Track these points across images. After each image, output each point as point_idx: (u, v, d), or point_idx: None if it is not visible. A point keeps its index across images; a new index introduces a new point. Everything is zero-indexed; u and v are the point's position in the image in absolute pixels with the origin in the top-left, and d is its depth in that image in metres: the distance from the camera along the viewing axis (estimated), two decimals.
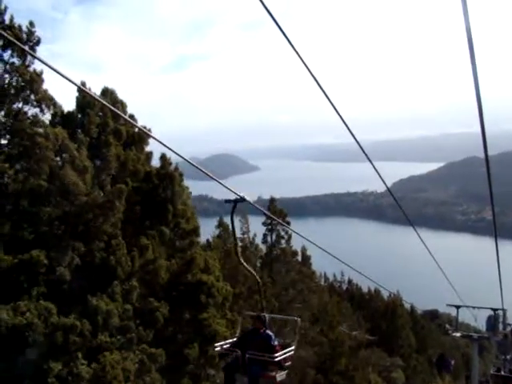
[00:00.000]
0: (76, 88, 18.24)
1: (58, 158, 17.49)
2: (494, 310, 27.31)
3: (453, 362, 30.10)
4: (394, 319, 55.82)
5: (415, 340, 57.98)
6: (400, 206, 14.24)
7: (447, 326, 35.31)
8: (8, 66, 16.45)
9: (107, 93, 22.51)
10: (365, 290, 62.79)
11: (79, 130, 19.85)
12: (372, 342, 49.64)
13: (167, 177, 21.61)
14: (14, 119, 16.86)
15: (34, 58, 16.57)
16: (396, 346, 54.06)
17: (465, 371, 49.09)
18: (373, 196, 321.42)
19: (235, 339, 10.10)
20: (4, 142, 17.11)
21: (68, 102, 22.04)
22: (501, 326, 31.63)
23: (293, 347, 9.75)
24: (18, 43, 15.14)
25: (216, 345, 9.92)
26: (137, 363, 17.04)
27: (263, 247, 37.45)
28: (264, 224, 37.02)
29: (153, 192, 21.32)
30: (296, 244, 38.95)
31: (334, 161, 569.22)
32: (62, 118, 20.79)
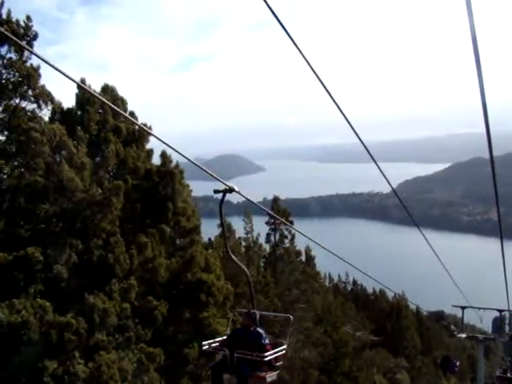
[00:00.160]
0: (76, 85, 18.26)
1: (56, 155, 17.21)
2: (500, 311, 26.96)
3: (458, 364, 29.62)
4: (398, 320, 55.46)
5: (420, 341, 57.61)
6: (405, 207, 13.98)
7: (452, 327, 34.91)
8: (5, 61, 16.24)
9: (107, 90, 22.32)
10: (370, 290, 62.47)
11: (79, 127, 19.64)
12: (377, 343, 49.32)
13: (167, 174, 21.35)
14: (11, 115, 16.65)
15: (32, 53, 16.31)
16: (401, 347, 53.70)
17: (470, 373, 48.65)
18: (378, 197, 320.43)
19: (225, 337, 9.70)
20: (2, 138, 16.92)
21: (69, 98, 22.01)
22: (507, 328, 31.21)
23: (284, 346, 9.21)
24: (16, 39, 14.92)
25: (204, 343, 9.39)
26: (135, 363, 16.78)
27: (267, 247, 37.23)
28: (267, 223, 36.78)
29: (153, 190, 21.08)
30: (300, 244, 38.72)
31: (340, 161, 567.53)
32: (61, 115, 20.63)
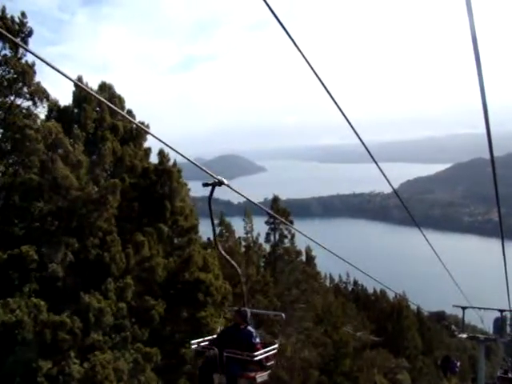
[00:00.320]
0: (73, 83, 17.92)
1: (52, 153, 17.01)
2: (501, 311, 26.78)
3: (458, 364, 29.43)
4: (399, 320, 55.28)
5: (421, 341, 57.42)
6: (406, 207, 13.93)
7: (453, 327, 34.71)
8: (0, 58, 16.05)
9: (105, 88, 22.15)
10: (370, 290, 62.31)
11: (76, 126, 19.45)
12: (377, 343, 49.14)
13: (165, 173, 21.15)
14: (6, 112, 16.48)
15: (27, 50, 16.15)
16: (402, 348, 53.52)
17: (471, 373, 48.44)
18: (379, 197, 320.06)
19: (214, 336, 9.45)
20: None
21: (67, 96, 21.86)
22: (508, 328, 31.02)
23: (276, 345, 8.98)
24: (11, 36, 14.73)
25: (192, 342, 9.07)
26: (131, 363, 16.57)
27: (267, 247, 37.06)
28: (267, 223, 36.61)
29: (150, 188, 20.89)
30: (301, 244, 38.57)
31: (340, 162, 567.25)
32: (58, 113, 20.47)
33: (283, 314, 10.25)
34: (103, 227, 17.59)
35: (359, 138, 7.03)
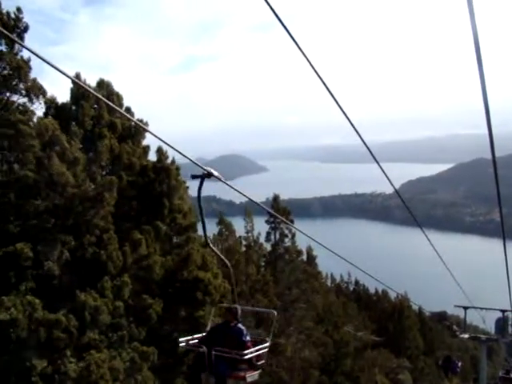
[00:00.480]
0: (71, 80, 17.76)
1: (48, 150, 16.82)
2: (503, 311, 26.61)
3: (460, 364, 29.20)
4: (401, 320, 55.12)
5: (423, 342, 57.23)
6: (407, 207, 13.80)
7: (455, 327, 34.47)
8: None
9: (103, 85, 21.97)
10: (372, 290, 62.12)
11: (73, 123, 19.28)
12: (379, 343, 48.94)
13: (163, 171, 20.94)
14: (2, 109, 16.30)
15: (22, 46, 15.95)
16: (403, 348, 53.35)
17: (473, 374, 48.26)
18: (381, 197, 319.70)
19: (204, 334, 9.16)
20: None
21: (66, 93, 21.68)
22: (510, 329, 30.81)
23: (267, 344, 8.72)
24: (6, 32, 14.61)
25: (180, 340, 8.79)
26: (128, 362, 16.37)
27: (267, 246, 36.90)
28: (267, 222, 36.42)
29: (149, 186, 20.69)
30: (302, 244, 38.42)
31: (342, 162, 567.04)
32: (55, 110, 20.30)
33: (275, 312, 9.95)
34: (100, 225, 17.40)
35: (361, 137, 6.98)
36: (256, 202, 9.68)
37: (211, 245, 9.02)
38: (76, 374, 14.43)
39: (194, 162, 5.69)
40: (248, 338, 8.50)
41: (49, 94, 20.81)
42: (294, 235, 36.29)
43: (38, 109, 17.46)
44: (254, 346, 8.39)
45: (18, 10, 16.42)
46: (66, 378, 14.33)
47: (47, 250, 15.59)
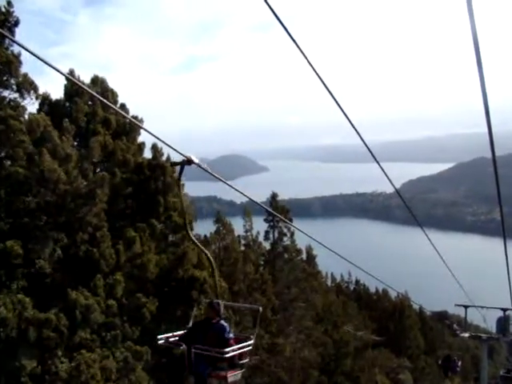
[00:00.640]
0: (65, 76, 17.48)
1: (40, 146, 16.53)
2: (504, 310, 26.33)
3: (460, 363, 28.90)
4: (401, 320, 54.92)
5: (424, 341, 57.00)
6: (408, 207, 13.77)
7: (455, 326, 34.12)
8: None
9: (97, 81, 21.72)
10: (372, 290, 61.87)
11: (67, 119, 19.00)
12: (379, 343, 48.71)
13: (158, 168, 20.64)
14: None
15: (13, 41, 15.71)
16: (404, 347, 53.14)
17: (474, 373, 47.92)
18: (382, 197, 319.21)
19: (185, 331, 8.59)
20: None
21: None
22: (511, 328, 30.51)
23: (251, 342, 8.29)
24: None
25: (159, 337, 8.39)
26: (121, 361, 16.06)
27: (267, 245, 36.65)
28: (266, 220, 36.16)
29: (144, 184, 20.39)
30: (302, 243, 38.20)
31: (342, 161, 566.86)
32: (49, 106, 20.09)
33: (260, 308, 9.57)
34: (93, 222, 17.10)
35: (361, 137, 6.98)
36: (254, 201, 9.35)
37: (191, 235, 8.68)
38: (67, 375, 14.11)
39: (173, 149, 5.44)
40: (231, 335, 8.13)
41: (45, 92, 20.75)
42: (292, 234, 36.05)
43: (30, 104, 17.18)
44: (238, 344, 8.03)
45: (9, 3, 16.13)
46: (56, 379, 14.02)
47: (38, 248, 15.31)
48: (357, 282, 63.76)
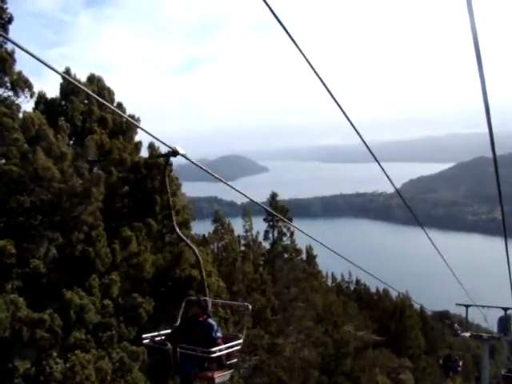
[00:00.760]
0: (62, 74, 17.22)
1: (35, 144, 16.35)
2: (505, 309, 26.13)
3: (461, 363, 28.68)
4: (402, 320, 54.74)
5: (425, 341, 56.80)
6: (408, 207, 13.73)
7: (456, 325, 33.93)
8: None
9: (94, 80, 21.54)
10: (373, 290, 61.68)
11: (62, 118, 18.85)
12: (380, 343, 48.53)
13: (155, 167, 20.45)
14: None
15: (6, 38, 15.44)
16: (405, 347, 52.96)
17: (476, 373, 47.68)
18: (382, 197, 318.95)
19: (171, 330, 8.29)
20: None
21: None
22: None
23: (240, 341, 8.02)
24: None
25: (144, 336, 8.10)
26: (117, 362, 15.85)
27: (266, 244, 36.50)
28: (265, 220, 36.00)
29: (140, 183, 20.21)
30: (302, 243, 38.07)
31: (343, 162, 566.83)
32: (45, 105, 19.93)
33: (249, 306, 9.31)
34: (88, 221, 16.91)
35: (361, 137, 6.99)
36: (254, 201, 9.13)
37: (177, 229, 8.47)
38: (62, 376, 13.90)
39: (160, 141, 5.27)
40: (219, 334, 7.84)
41: (41, 91, 20.58)
42: (292, 233, 35.91)
43: (24, 102, 16.98)
44: (226, 343, 7.78)
45: (2, 0, 15.95)
46: (50, 380, 13.81)
47: (33, 247, 15.12)
48: (357, 281, 63.61)
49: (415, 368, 51.37)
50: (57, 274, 15.95)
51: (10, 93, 16.31)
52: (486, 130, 4.93)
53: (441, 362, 29.51)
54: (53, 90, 20.85)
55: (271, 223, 35.81)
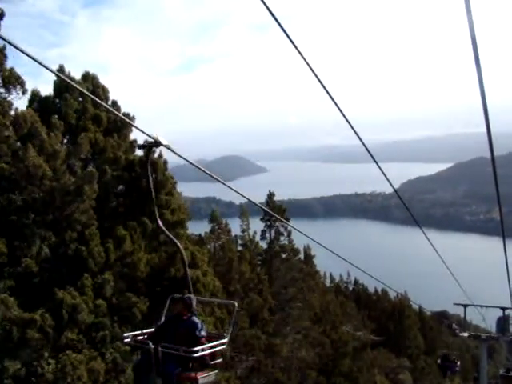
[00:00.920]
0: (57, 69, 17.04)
1: (28, 142, 16.12)
2: (503, 309, 25.99)
3: (459, 363, 28.50)
4: (401, 320, 54.67)
5: (423, 341, 56.70)
6: (406, 207, 13.76)
7: (454, 325, 33.79)
8: None
9: (88, 77, 21.34)
10: (371, 290, 61.65)
11: (55, 115, 18.62)
12: (379, 343, 48.42)
13: (150, 165, 20.16)
14: None
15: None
16: (403, 347, 52.87)
17: (474, 373, 47.55)
18: (381, 197, 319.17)
19: (154, 329, 7.95)
20: None
21: None
22: (511, 328, 30.16)
23: (225, 340, 7.66)
24: None
25: (125, 335, 7.83)
26: (110, 363, 15.62)
27: (263, 244, 36.34)
28: (262, 219, 35.83)
29: (135, 181, 19.97)
30: (301, 244, 37.95)
31: (342, 162, 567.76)
32: (38, 103, 19.73)
33: (236, 303, 9.07)
34: (82, 220, 16.68)
35: (359, 137, 7.04)
36: (251, 200, 8.91)
37: (161, 225, 8.24)
38: (53, 376, 13.67)
39: (146, 134, 5.09)
40: (203, 332, 7.54)
41: (34, 88, 20.39)
42: (289, 233, 35.75)
43: (16, 99, 16.74)
44: (211, 343, 7.49)
45: None
46: (41, 381, 13.58)
47: (24, 246, 14.89)
48: (356, 282, 63.67)
49: (414, 368, 51.28)
50: (49, 274, 15.72)
51: (2, 89, 16.07)
52: (485, 129, 4.97)
53: (438, 361, 29.32)
54: (51, 90, 20.71)
55: (268, 223, 35.64)
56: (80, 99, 20.31)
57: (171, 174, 21.82)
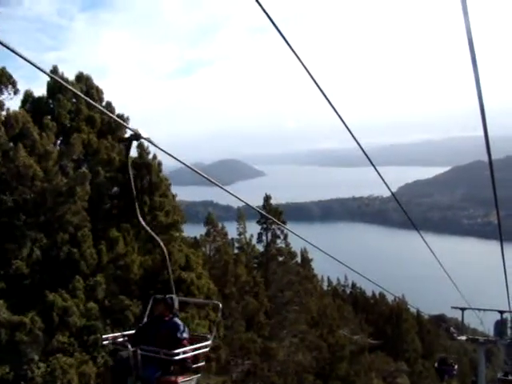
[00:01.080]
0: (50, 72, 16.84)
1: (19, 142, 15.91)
2: (501, 312, 25.81)
3: (456, 367, 28.26)
4: (399, 323, 54.44)
5: (421, 345, 56.50)
6: (404, 210, 13.64)
7: (452, 329, 33.60)
8: None
9: (82, 78, 21.16)
10: (369, 293, 61.40)
11: (48, 116, 18.44)
12: (376, 347, 48.19)
13: (144, 166, 20.04)
14: None
15: None
16: (401, 351, 52.62)
17: (472, 376, 47.37)
18: (378, 201, 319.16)
19: (135, 330, 7.77)
20: None
21: None
22: (509, 331, 30.00)
23: (208, 342, 7.42)
24: None
25: (104, 337, 7.58)
26: (101, 367, 15.38)
27: (260, 247, 36.16)
28: (258, 222, 35.64)
29: (129, 183, 19.72)
30: (298, 247, 37.78)
31: (339, 166, 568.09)
32: (31, 104, 19.55)
33: (220, 304, 8.84)
34: (74, 222, 16.45)
35: (357, 141, 7.06)
36: (248, 204, 8.73)
37: (143, 223, 7.99)
38: (43, 380, 13.42)
39: (123, 124, 4.90)
40: (185, 334, 7.29)
41: (28, 89, 20.23)
42: (286, 236, 35.57)
43: (8, 99, 16.55)
44: (193, 345, 7.22)
45: None
46: None
47: (15, 248, 14.66)
48: (353, 285, 63.36)
49: (411, 372, 51.03)
50: (40, 276, 15.48)
51: None
52: (482, 133, 4.97)
53: (436, 365, 29.07)
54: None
55: (265, 226, 35.45)
56: (74, 100, 20.16)
57: (165, 176, 21.64)
